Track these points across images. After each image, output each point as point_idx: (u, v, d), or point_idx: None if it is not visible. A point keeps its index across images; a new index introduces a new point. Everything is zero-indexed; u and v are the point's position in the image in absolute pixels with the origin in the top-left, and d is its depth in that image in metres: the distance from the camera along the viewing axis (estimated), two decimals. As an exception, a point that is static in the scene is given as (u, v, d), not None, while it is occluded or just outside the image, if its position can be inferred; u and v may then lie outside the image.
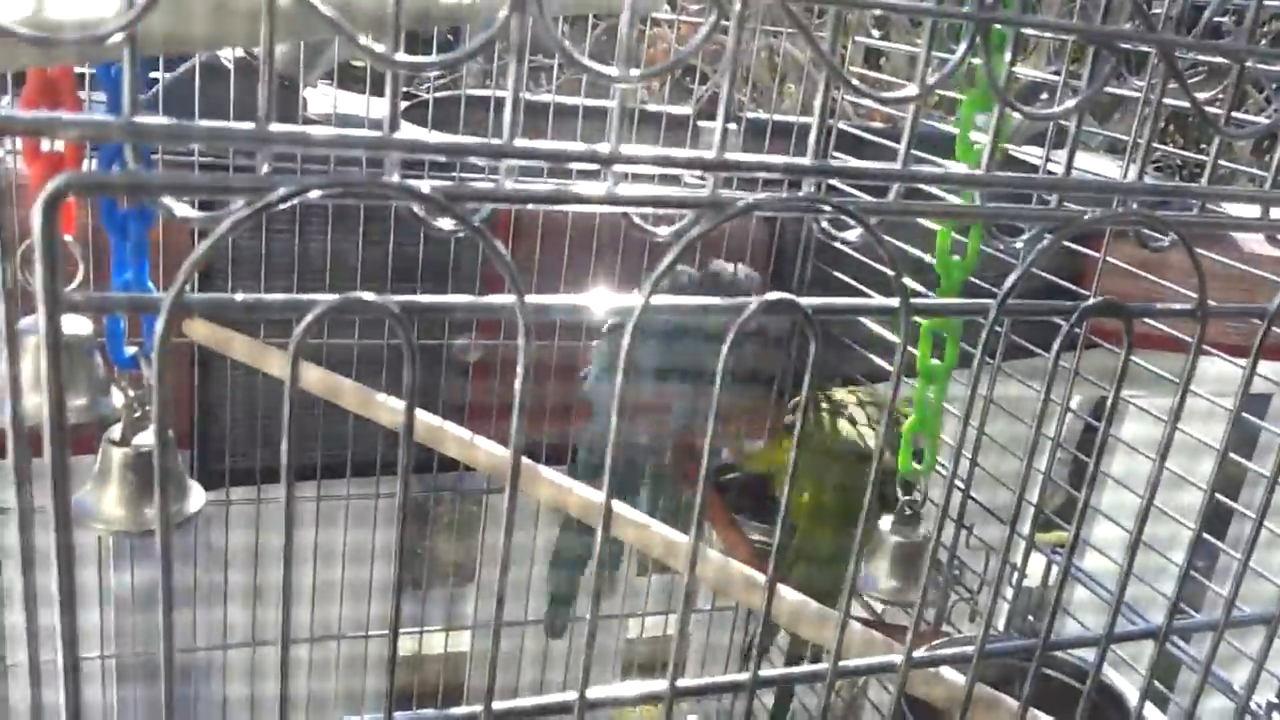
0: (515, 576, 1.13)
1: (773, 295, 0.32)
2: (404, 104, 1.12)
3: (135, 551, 1.01)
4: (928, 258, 0.86)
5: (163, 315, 0.24)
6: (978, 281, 0.77)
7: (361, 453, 1.02)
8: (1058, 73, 0.78)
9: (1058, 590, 0.42)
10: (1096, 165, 1.23)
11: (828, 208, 0.31)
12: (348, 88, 1.10)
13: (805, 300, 0.32)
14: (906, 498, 0.64)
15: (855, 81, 0.31)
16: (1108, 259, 0.85)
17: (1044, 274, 0.87)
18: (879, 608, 0.95)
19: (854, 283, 0.96)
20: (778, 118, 1.24)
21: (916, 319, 0.41)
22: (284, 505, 0.28)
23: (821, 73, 0.31)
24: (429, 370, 0.98)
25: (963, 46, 0.32)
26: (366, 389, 0.81)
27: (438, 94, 1.04)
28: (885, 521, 0.65)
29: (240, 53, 1.02)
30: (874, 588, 0.65)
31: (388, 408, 0.60)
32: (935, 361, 0.63)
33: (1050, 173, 0.78)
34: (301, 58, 0.96)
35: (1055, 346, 0.36)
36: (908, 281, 0.32)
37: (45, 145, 0.41)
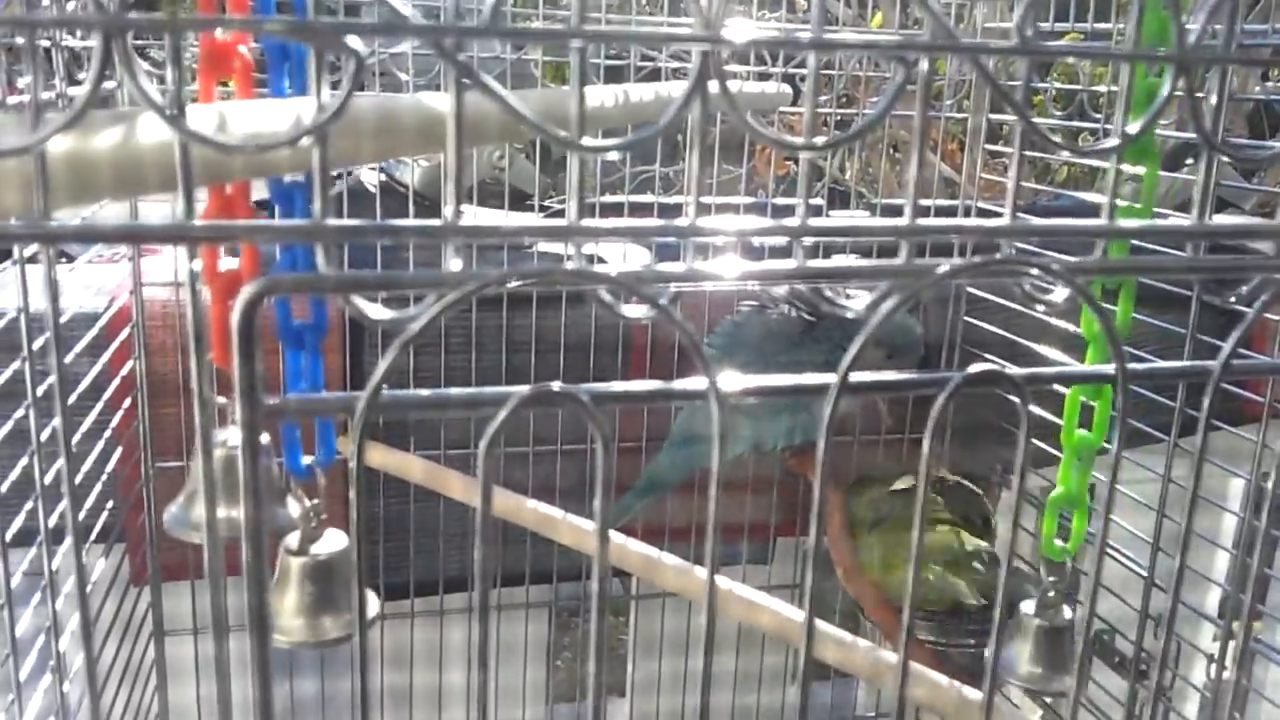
0: (672, 683, 1.10)
1: (978, 367, 0.29)
2: (543, 216, 1.15)
3: (294, 660, 1.01)
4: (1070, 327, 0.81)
5: (359, 413, 0.24)
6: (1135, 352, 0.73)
7: (510, 562, 1.01)
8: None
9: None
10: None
11: (1033, 270, 0.29)
12: (485, 204, 1.13)
13: (1015, 370, 0.29)
14: (1051, 579, 0.59)
15: (1054, 138, 0.29)
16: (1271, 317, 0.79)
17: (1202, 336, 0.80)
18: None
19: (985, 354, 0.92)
20: (898, 201, 1.22)
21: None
22: (479, 611, 0.27)
23: (929, 149, 0.30)
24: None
25: (1164, 89, 0.30)
26: (514, 497, 0.81)
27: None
28: (1027, 604, 0.60)
29: (383, 177, 1.06)
30: (1013, 673, 0.60)
31: (569, 526, 0.59)
32: (1082, 432, 0.59)
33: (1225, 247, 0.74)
34: (442, 177, 0.99)
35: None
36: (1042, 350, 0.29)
37: (222, 265, 0.42)
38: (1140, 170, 0.57)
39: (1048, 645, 0.60)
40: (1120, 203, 0.65)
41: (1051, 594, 0.59)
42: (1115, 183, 0.31)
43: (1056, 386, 0.61)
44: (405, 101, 0.37)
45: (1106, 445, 0.59)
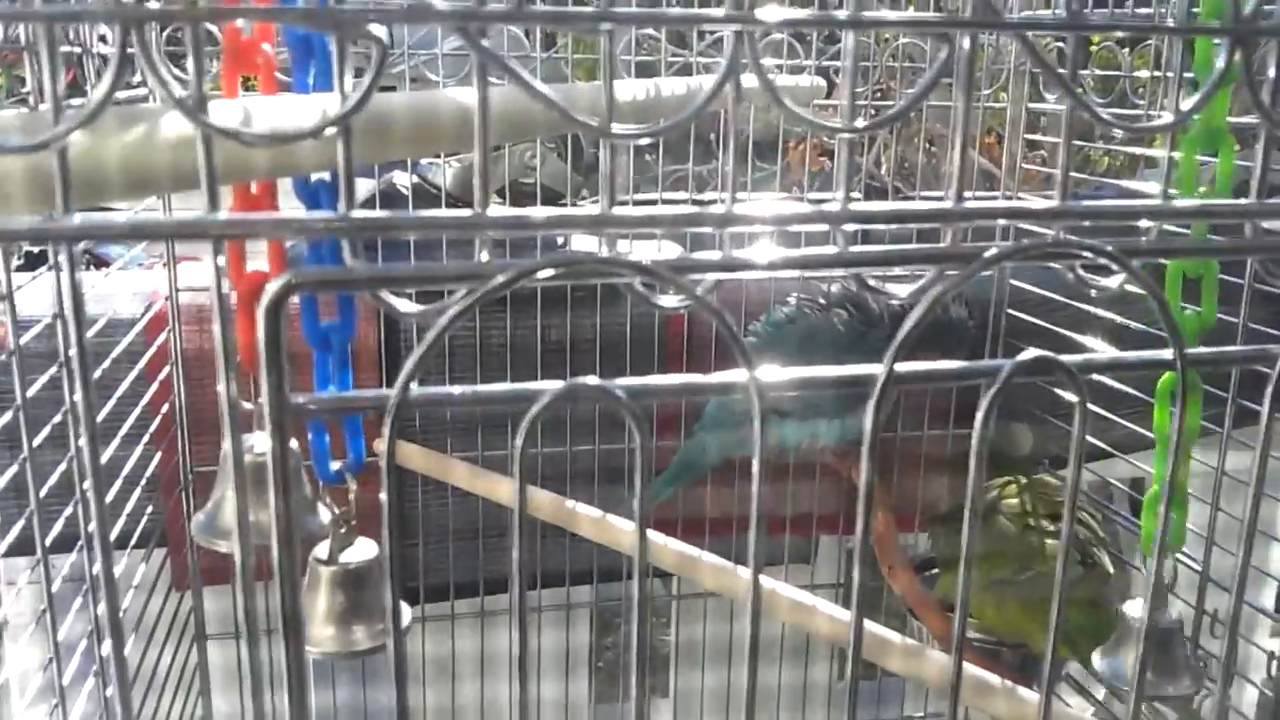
0: (715, 684, 1.09)
1: (1030, 354, 0.28)
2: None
3: (335, 670, 1.01)
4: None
5: (390, 412, 0.23)
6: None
7: (551, 563, 1.01)
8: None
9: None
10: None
11: (1086, 253, 0.28)
12: (517, 204, 1.12)
13: (1068, 358, 0.28)
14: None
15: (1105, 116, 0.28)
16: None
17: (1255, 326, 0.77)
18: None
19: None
20: (936, 194, 1.20)
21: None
22: (515, 612, 0.26)
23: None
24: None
25: (1220, 63, 0.29)
26: (557, 500, 0.80)
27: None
28: (1132, 606, 0.58)
29: (415, 178, 1.06)
30: (1122, 680, 0.58)
31: (616, 528, 0.58)
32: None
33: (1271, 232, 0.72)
34: (475, 178, 0.99)
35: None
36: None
37: (249, 265, 0.41)
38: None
39: (1158, 649, 0.57)
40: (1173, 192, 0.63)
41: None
42: (1169, 162, 0.29)
43: (1102, 379, 0.59)
44: (440, 97, 0.36)
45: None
